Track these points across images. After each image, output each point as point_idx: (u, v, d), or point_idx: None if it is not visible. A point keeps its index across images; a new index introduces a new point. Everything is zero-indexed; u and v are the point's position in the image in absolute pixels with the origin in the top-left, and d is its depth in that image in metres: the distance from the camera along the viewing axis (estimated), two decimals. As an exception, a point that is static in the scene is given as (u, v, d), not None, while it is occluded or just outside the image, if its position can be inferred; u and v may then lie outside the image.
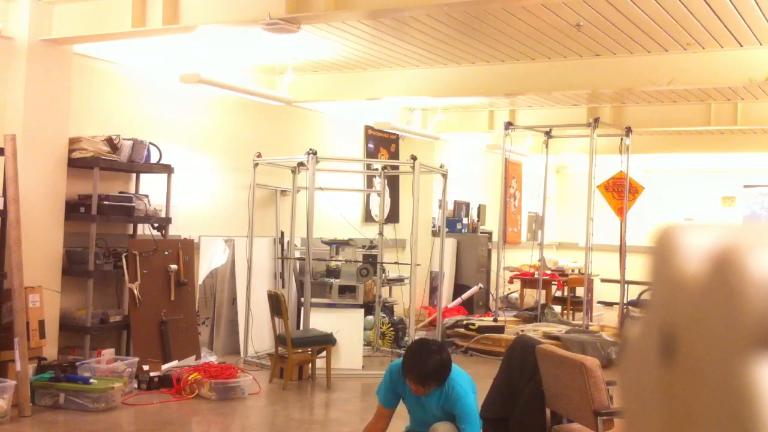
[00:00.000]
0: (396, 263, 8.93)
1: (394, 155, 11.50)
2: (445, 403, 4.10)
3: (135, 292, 7.15)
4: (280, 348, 7.35)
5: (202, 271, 8.26)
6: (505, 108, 11.19)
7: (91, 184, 6.84)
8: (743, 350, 0.39)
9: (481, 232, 12.86)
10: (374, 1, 5.59)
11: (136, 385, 6.69)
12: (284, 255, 9.01)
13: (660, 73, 7.56)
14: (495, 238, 12.01)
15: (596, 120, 9.69)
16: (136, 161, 7.21)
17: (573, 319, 11.60)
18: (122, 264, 7.11)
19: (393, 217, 10.95)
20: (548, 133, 10.51)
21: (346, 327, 7.83)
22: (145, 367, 6.77)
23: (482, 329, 9.40)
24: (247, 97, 8.31)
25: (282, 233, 9.13)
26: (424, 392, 4.08)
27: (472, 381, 4.31)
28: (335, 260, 8.70)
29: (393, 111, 11.11)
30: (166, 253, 7.48)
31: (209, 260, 8.35)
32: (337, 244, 8.80)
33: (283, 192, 9.31)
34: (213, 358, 7.59)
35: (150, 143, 7.37)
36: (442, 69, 8.45)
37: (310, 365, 7.53)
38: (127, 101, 7.65)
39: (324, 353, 7.38)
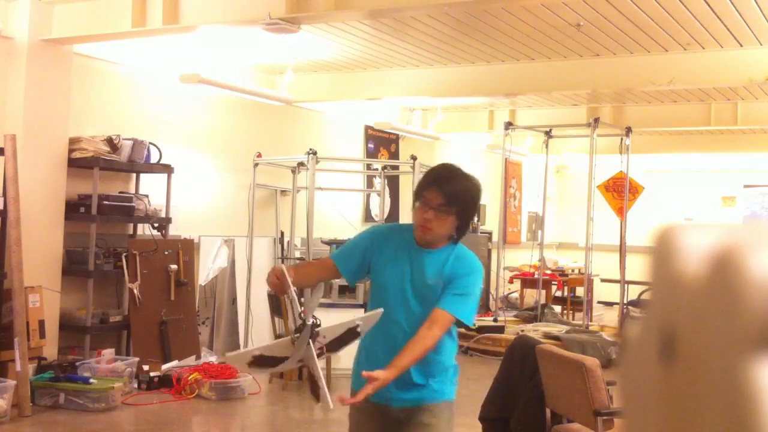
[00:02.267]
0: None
1: (394, 155, 11.50)
2: (444, 270, 2.92)
3: (135, 292, 7.15)
4: (280, 348, 7.34)
5: (202, 274, 8.25)
6: (505, 108, 11.19)
7: (91, 184, 6.84)
8: (743, 350, 0.39)
9: (481, 232, 12.86)
10: (374, 1, 5.59)
11: (136, 385, 6.69)
12: (284, 255, 9.01)
13: (660, 73, 7.56)
14: (495, 238, 12.01)
15: (596, 120, 9.69)
16: (136, 161, 7.22)
17: (573, 319, 11.60)
18: (122, 264, 7.11)
19: (393, 217, 10.95)
20: (548, 133, 10.50)
21: (346, 327, 7.81)
22: (145, 367, 6.77)
23: (482, 329, 9.40)
24: (247, 97, 8.31)
25: (282, 233, 9.13)
26: (434, 222, 2.88)
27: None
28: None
29: (393, 111, 11.11)
30: (166, 253, 7.48)
31: (209, 265, 8.34)
32: (337, 244, 8.79)
33: (283, 192, 9.31)
34: (213, 358, 7.59)
35: (150, 143, 7.37)
36: (442, 69, 8.45)
37: (310, 365, 7.53)
38: (127, 101, 7.65)
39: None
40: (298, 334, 2.65)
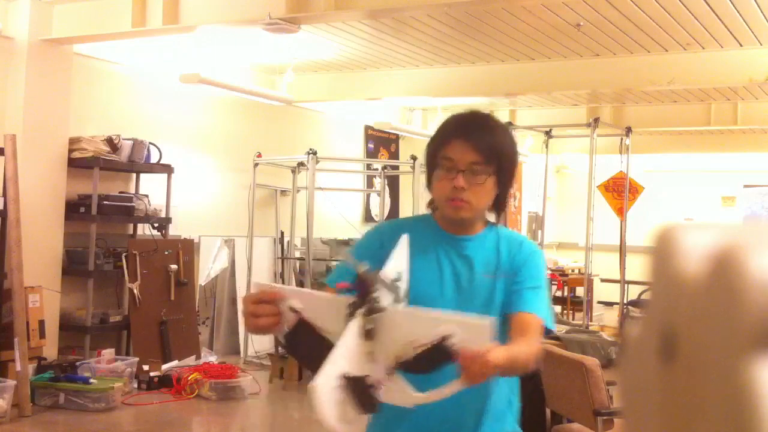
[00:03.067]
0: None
1: (394, 155, 11.50)
2: (500, 259, 2.03)
3: (135, 292, 7.15)
4: (280, 348, 7.35)
5: (202, 274, 8.24)
6: (505, 108, 11.19)
7: (91, 184, 6.84)
8: (743, 350, 0.39)
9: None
10: (374, 1, 5.59)
11: (136, 385, 6.69)
12: (284, 255, 9.01)
13: (660, 73, 7.56)
14: (495, 238, 12.01)
15: (596, 120, 9.67)
16: (136, 161, 7.22)
17: (573, 319, 11.61)
18: (122, 264, 7.11)
19: (393, 217, 10.95)
20: (548, 133, 10.49)
21: (346, 327, 7.80)
22: (145, 367, 6.77)
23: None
24: (247, 97, 8.31)
25: (282, 233, 9.13)
26: (470, 192, 1.96)
27: None
28: (335, 260, 8.69)
29: (393, 111, 11.11)
30: (166, 253, 7.48)
31: (210, 265, 8.33)
32: (337, 244, 8.79)
33: (283, 192, 9.31)
34: (213, 358, 7.59)
35: (150, 143, 7.37)
36: (442, 69, 8.45)
37: (310, 365, 7.52)
38: (127, 101, 7.65)
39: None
40: (368, 306, 1.56)
